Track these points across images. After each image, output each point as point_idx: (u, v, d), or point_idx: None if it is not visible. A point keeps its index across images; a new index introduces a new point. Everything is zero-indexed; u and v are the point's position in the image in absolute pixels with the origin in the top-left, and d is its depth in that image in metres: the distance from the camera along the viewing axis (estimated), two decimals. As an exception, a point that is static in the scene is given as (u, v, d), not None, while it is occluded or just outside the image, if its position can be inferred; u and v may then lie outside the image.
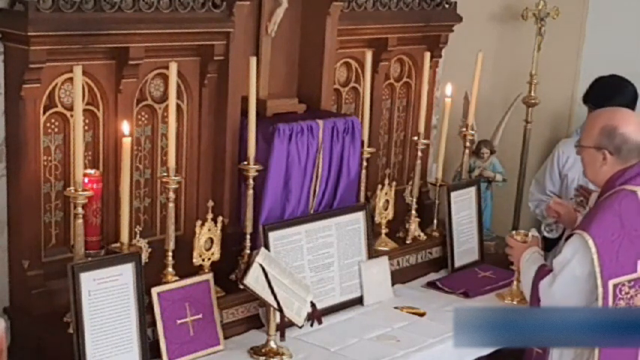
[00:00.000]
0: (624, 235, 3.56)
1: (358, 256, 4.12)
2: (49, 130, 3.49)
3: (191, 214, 3.87)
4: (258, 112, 3.86)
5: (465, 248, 4.61)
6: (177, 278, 3.55)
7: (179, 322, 3.48)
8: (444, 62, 4.93)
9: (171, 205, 3.56)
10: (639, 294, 3.59)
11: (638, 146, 3.65)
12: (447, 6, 4.72)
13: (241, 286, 3.56)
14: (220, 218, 3.67)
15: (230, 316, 3.72)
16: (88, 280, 3.23)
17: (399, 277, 4.33)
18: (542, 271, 3.71)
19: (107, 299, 3.28)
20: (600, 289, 3.51)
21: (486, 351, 3.80)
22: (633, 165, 3.66)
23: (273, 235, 3.79)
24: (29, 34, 3.24)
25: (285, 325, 3.58)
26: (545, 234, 4.15)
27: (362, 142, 4.21)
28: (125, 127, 3.45)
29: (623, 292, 3.55)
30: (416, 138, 4.52)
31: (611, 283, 3.53)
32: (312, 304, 3.69)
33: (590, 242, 3.52)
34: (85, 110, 3.46)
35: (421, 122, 4.48)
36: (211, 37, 3.75)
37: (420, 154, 4.54)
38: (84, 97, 3.45)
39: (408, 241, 4.51)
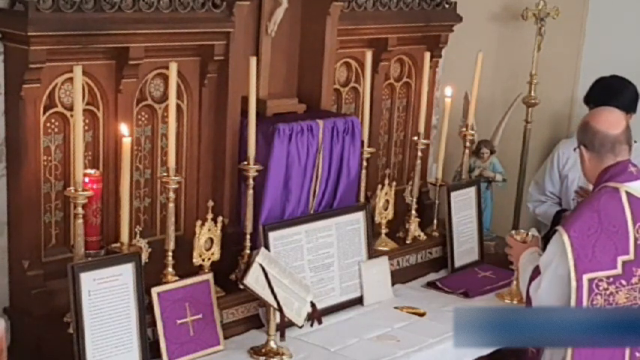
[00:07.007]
0: (601, 231, 3.55)
1: (358, 256, 4.12)
2: (49, 130, 3.49)
3: (191, 214, 3.87)
4: (258, 112, 3.86)
5: (465, 248, 4.61)
6: (177, 278, 3.55)
7: (179, 322, 3.48)
8: (444, 62, 4.93)
9: (171, 205, 3.56)
10: (621, 291, 3.58)
11: (608, 138, 3.63)
12: (447, 6, 4.72)
13: (241, 286, 3.56)
14: (220, 218, 3.67)
15: (230, 316, 3.72)
16: (88, 280, 3.23)
17: (399, 277, 4.33)
18: (535, 273, 3.71)
19: (107, 299, 3.28)
20: (574, 283, 3.50)
21: (486, 351, 3.80)
22: (619, 162, 3.68)
23: (273, 235, 3.80)
24: (29, 34, 3.24)
25: (285, 325, 3.57)
26: None
27: (362, 142, 4.21)
28: (125, 127, 3.45)
29: (600, 288, 3.53)
30: (416, 138, 4.52)
31: (585, 277, 3.50)
32: (312, 304, 3.69)
33: (565, 237, 3.53)
34: (85, 110, 3.46)
35: (421, 122, 4.48)
36: (211, 37, 3.75)
37: (420, 154, 4.54)
38: (84, 97, 3.45)
39: (408, 241, 4.51)
